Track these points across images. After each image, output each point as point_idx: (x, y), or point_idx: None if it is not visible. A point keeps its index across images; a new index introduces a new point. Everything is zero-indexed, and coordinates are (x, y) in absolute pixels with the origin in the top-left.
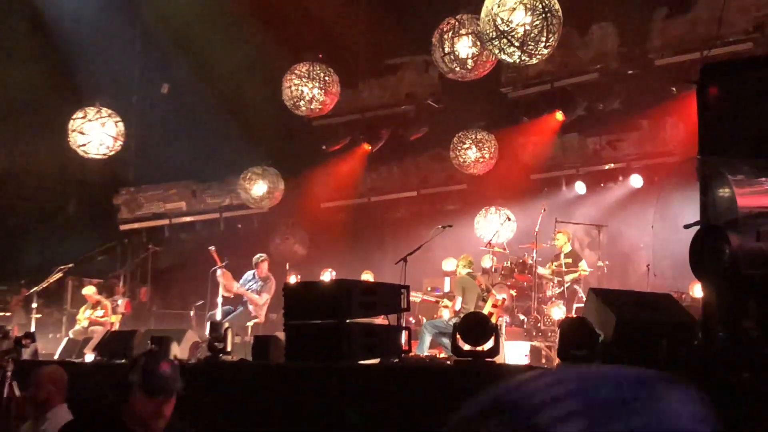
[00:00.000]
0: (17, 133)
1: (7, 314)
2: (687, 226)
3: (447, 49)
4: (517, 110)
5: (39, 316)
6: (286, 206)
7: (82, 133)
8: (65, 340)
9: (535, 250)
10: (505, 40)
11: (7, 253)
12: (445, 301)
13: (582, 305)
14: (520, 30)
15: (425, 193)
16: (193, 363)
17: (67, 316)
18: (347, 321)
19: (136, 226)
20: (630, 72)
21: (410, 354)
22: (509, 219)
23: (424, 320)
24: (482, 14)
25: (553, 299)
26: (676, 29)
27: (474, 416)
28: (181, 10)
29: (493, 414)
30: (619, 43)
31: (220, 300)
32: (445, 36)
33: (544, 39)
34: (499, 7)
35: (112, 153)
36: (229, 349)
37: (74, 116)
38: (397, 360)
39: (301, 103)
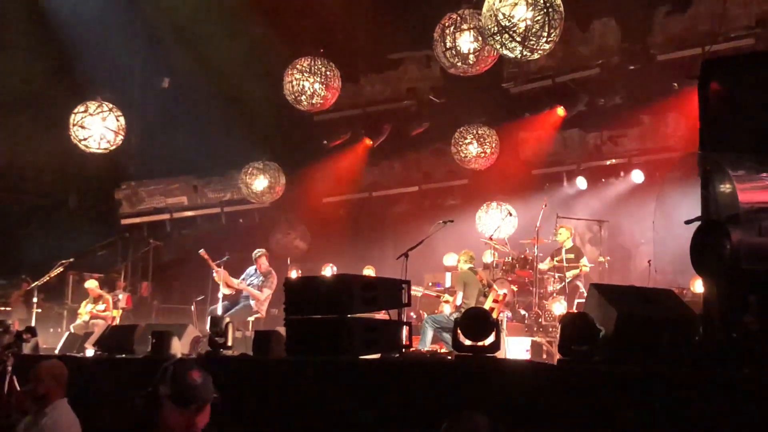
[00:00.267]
0: (18, 127)
1: (8, 309)
2: (688, 222)
3: (449, 44)
4: (518, 105)
5: (40, 310)
6: (287, 201)
7: (83, 127)
8: (66, 334)
9: (536, 246)
10: (506, 35)
11: (8, 248)
12: (446, 296)
13: (583, 301)
14: (522, 25)
15: (426, 188)
16: (193, 358)
17: (68, 310)
18: (348, 316)
19: (137, 220)
20: (631, 67)
21: (411, 349)
22: (510, 214)
23: (425, 315)
24: (484, 9)
25: (554, 295)
26: (677, 25)
27: None
28: (182, 4)
29: None
30: (621, 39)
31: (221, 295)
32: (447, 31)
33: (545, 34)
34: (500, 2)
35: (113, 147)
36: (229, 343)
37: (75, 110)
38: (397, 355)
39: (303, 97)
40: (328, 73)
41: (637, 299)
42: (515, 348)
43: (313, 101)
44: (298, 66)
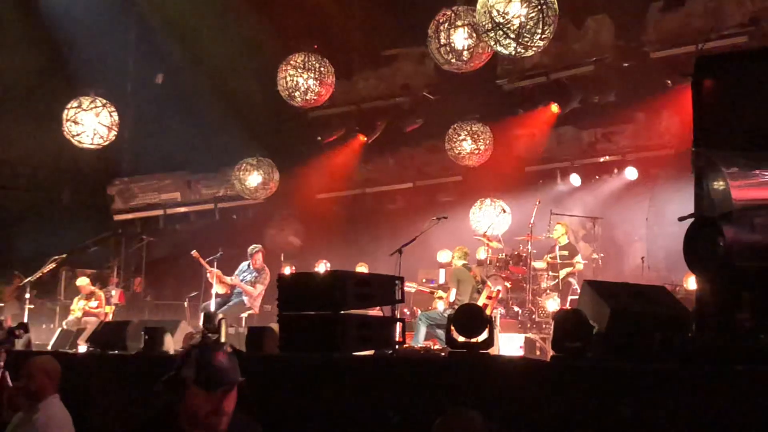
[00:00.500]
0: (10, 122)
1: (0, 305)
2: (681, 219)
3: (443, 41)
4: (512, 102)
5: (32, 306)
6: (281, 197)
7: (76, 122)
8: (58, 330)
9: (530, 242)
10: (500, 32)
11: (0, 244)
12: (440, 293)
13: (576, 297)
14: (516, 22)
15: (420, 185)
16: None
17: (61, 306)
18: (342, 312)
19: (130, 216)
20: (625, 65)
21: (405, 345)
22: (504, 211)
23: (419, 312)
24: (478, 6)
25: (548, 291)
26: (671, 22)
27: None
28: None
29: None
30: (615, 36)
31: (214, 291)
32: (441, 27)
33: (539, 31)
34: None
35: (107, 143)
36: (223, 340)
37: (69, 106)
38: (391, 352)
39: (297, 93)
40: (322, 69)
41: (631, 296)
42: (508, 344)
43: (307, 97)
44: (292, 62)
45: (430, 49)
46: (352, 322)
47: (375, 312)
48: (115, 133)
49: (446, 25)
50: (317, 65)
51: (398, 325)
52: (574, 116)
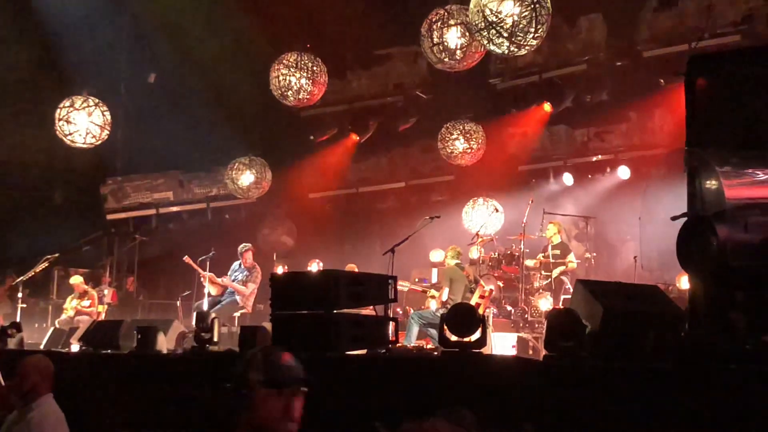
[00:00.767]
0: (2, 121)
1: None
2: (674, 218)
3: (436, 40)
4: (505, 101)
5: (25, 305)
6: (273, 196)
7: (69, 122)
8: (51, 330)
9: (522, 242)
10: (493, 31)
11: None
12: (432, 292)
13: (569, 296)
14: (509, 21)
15: (413, 184)
16: (179, 353)
17: (53, 305)
18: (334, 312)
19: (122, 215)
20: (618, 64)
21: (397, 345)
22: (497, 210)
23: (412, 311)
24: (471, 5)
25: (541, 290)
26: (664, 21)
27: None
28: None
29: None
30: (608, 35)
31: (206, 290)
32: (434, 26)
33: (532, 30)
34: None
35: (99, 142)
36: (215, 339)
37: (61, 105)
38: (384, 351)
39: (289, 93)
40: (314, 68)
41: (623, 295)
42: (501, 344)
43: (300, 96)
44: (284, 61)
45: (423, 48)
46: (345, 321)
47: (368, 311)
48: (108, 133)
49: (439, 24)
50: (310, 64)
51: (391, 325)
52: (566, 115)
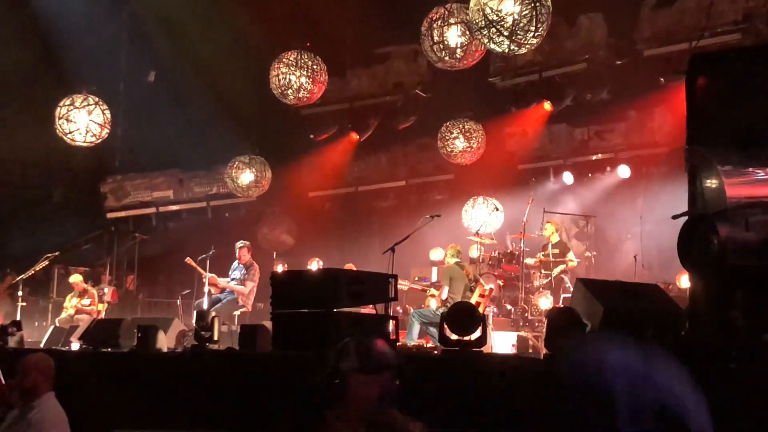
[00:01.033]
0: (3, 119)
1: None
2: (675, 217)
3: (436, 38)
4: (505, 100)
5: (24, 304)
6: (273, 195)
7: (69, 120)
8: (51, 328)
9: (522, 240)
10: (494, 30)
11: None
12: (432, 291)
13: (569, 295)
14: (509, 19)
15: (413, 183)
16: (179, 352)
17: (53, 304)
18: (335, 310)
19: (122, 214)
20: (618, 62)
21: (398, 343)
22: (497, 209)
23: (412, 309)
24: (471, 3)
25: (541, 289)
26: (664, 20)
27: None
28: None
29: None
30: (608, 34)
31: (206, 289)
32: (435, 25)
33: (533, 29)
34: None
35: (99, 141)
36: (215, 338)
37: (61, 103)
38: None
39: (289, 91)
40: (314, 66)
41: (623, 294)
42: (501, 342)
43: (300, 95)
44: (284, 60)
45: (423, 47)
46: (345, 320)
47: (368, 310)
48: (108, 131)
49: (439, 22)
50: (310, 63)
51: (391, 323)
52: (566, 114)
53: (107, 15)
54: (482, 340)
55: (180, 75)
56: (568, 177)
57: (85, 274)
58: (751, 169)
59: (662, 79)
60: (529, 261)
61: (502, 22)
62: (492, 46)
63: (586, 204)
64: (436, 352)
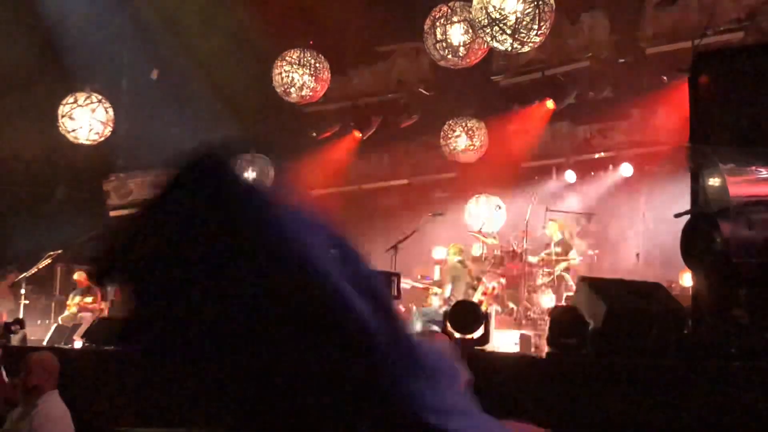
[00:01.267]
0: (5, 117)
1: None
2: (678, 215)
3: (439, 37)
4: (507, 98)
5: (27, 302)
6: None
7: (72, 118)
8: (54, 326)
9: (525, 239)
10: (497, 28)
11: None
12: (435, 289)
13: (571, 294)
14: (512, 18)
15: (416, 181)
16: None
17: (56, 302)
18: None
19: (125, 212)
20: (621, 60)
21: None
22: (499, 207)
23: (414, 308)
24: (474, 1)
25: (543, 288)
26: (667, 18)
27: None
28: None
29: None
30: (611, 32)
31: None
32: (438, 23)
33: (535, 27)
34: None
35: (102, 139)
36: None
37: (64, 101)
38: None
39: (292, 89)
40: (317, 65)
41: (626, 293)
42: (504, 341)
43: (302, 93)
44: (287, 58)
45: (426, 45)
46: None
47: None
48: (111, 129)
49: (442, 20)
50: (312, 61)
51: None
52: (569, 112)
53: (110, 13)
54: (485, 338)
55: (183, 73)
56: (570, 175)
57: (88, 272)
58: (753, 168)
59: (665, 78)
60: (533, 259)
61: (505, 21)
62: (495, 44)
63: (589, 202)
64: None
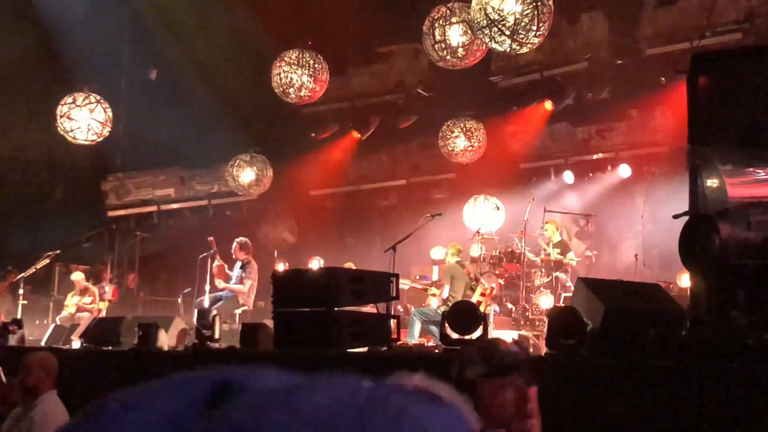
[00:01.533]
0: (4, 117)
1: None
2: (676, 216)
3: (438, 38)
4: (506, 99)
5: (26, 302)
6: (274, 194)
7: (70, 118)
8: (52, 326)
9: (523, 239)
10: (495, 29)
11: None
12: (433, 290)
13: (569, 294)
14: (511, 19)
15: (414, 182)
16: (180, 350)
17: (54, 302)
18: (336, 309)
19: (123, 212)
20: (619, 61)
21: (399, 342)
22: (498, 208)
23: (413, 308)
24: (473, 2)
25: (541, 288)
26: (666, 19)
27: None
28: None
29: None
30: (609, 33)
31: (207, 287)
32: (436, 24)
33: (534, 28)
34: None
35: (101, 139)
36: (217, 336)
37: (63, 102)
38: (385, 348)
39: (291, 90)
40: (316, 65)
41: (625, 293)
42: None
43: (301, 94)
44: (286, 58)
45: (424, 46)
46: (347, 318)
47: (369, 309)
48: (109, 129)
49: (441, 21)
50: (311, 62)
51: (393, 322)
52: (567, 113)
53: (109, 12)
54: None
55: (181, 73)
56: (568, 176)
57: (86, 272)
58: (752, 169)
59: (663, 79)
60: (532, 257)
61: (504, 22)
62: (493, 45)
63: (587, 203)
64: (437, 351)
